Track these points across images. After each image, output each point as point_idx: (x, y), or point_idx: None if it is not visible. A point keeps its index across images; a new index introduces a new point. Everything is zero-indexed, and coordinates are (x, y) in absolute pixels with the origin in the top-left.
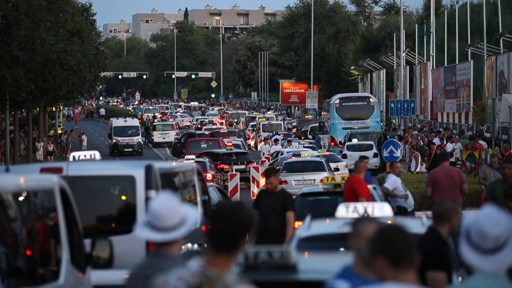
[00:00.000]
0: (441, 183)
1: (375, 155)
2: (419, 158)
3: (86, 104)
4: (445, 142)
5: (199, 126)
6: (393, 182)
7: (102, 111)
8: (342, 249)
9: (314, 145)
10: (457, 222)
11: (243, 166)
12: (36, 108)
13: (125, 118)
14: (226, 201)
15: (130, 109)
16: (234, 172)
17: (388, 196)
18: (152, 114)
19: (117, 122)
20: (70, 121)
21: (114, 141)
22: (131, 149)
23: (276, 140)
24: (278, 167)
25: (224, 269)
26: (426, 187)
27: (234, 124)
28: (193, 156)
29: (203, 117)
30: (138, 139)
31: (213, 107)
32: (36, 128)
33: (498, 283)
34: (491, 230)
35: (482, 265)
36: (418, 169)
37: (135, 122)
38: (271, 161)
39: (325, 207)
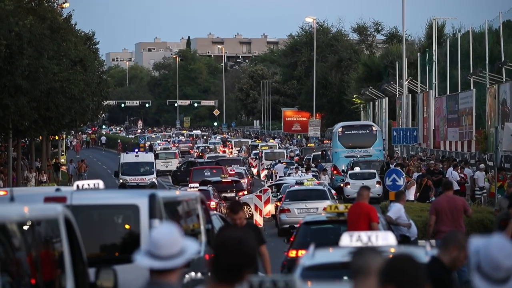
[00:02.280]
0: (444, 212)
1: (378, 184)
2: (412, 187)
3: (80, 134)
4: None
5: (200, 154)
6: (396, 210)
7: (103, 139)
8: (345, 278)
9: (317, 173)
10: (457, 256)
11: (232, 194)
12: (39, 137)
13: (136, 151)
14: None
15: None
16: (240, 200)
17: (391, 225)
18: (149, 143)
19: (127, 157)
20: (68, 150)
21: (121, 181)
22: None
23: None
24: (281, 196)
25: None
26: (429, 216)
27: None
28: (197, 185)
29: (204, 145)
30: (152, 178)
31: (216, 135)
32: (39, 159)
33: None
34: (503, 261)
35: None
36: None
37: (148, 157)
38: (273, 189)
39: (329, 235)
